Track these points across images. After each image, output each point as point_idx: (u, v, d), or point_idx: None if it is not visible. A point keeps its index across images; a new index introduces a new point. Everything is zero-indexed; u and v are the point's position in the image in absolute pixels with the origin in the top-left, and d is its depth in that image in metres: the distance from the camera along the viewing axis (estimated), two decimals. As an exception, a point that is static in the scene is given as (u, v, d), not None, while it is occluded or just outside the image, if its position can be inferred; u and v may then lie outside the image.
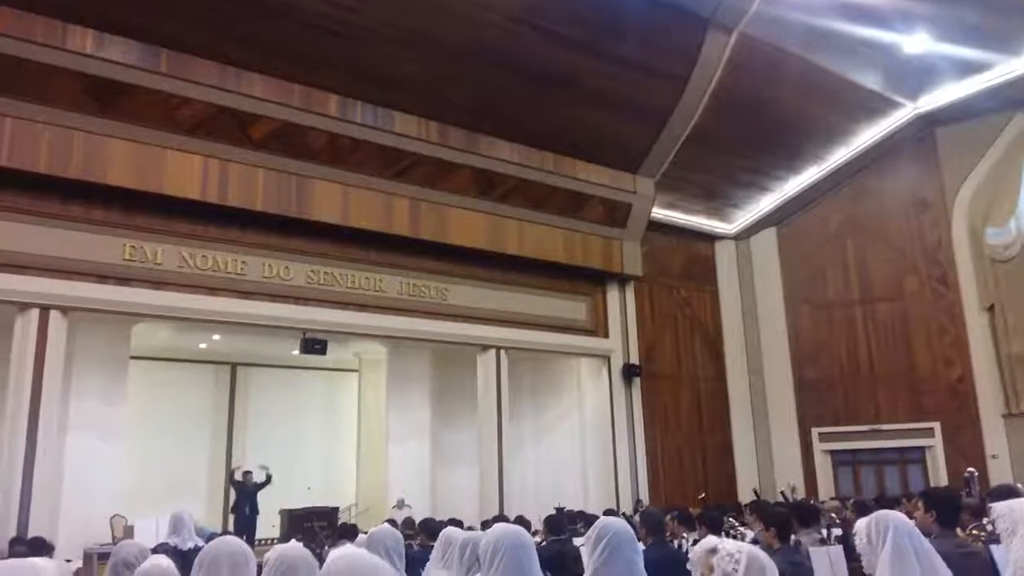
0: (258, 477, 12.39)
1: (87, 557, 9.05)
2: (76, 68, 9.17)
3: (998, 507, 2.76)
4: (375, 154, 11.49)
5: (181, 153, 10.07)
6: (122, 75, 9.44)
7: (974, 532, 5.04)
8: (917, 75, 14.02)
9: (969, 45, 13.06)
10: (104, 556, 8.39)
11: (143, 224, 10.16)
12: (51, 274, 9.39)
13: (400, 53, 10.71)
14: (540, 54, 11.30)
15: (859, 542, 3.03)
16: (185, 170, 10.10)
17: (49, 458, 9.14)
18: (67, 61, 9.10)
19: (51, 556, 6.31)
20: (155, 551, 5.76)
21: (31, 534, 8.05)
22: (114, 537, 9.76)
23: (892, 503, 7.05)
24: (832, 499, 11.35)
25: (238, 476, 12.49)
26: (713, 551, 2.36)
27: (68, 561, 8.22)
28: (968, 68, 13.89)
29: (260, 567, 2.76)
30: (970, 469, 11.91)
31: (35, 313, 9.25)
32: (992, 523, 4.72)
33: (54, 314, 9.36)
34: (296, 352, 12.34)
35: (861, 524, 3.07)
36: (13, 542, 7.62)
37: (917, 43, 12.84)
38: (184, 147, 10.08)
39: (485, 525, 7.93)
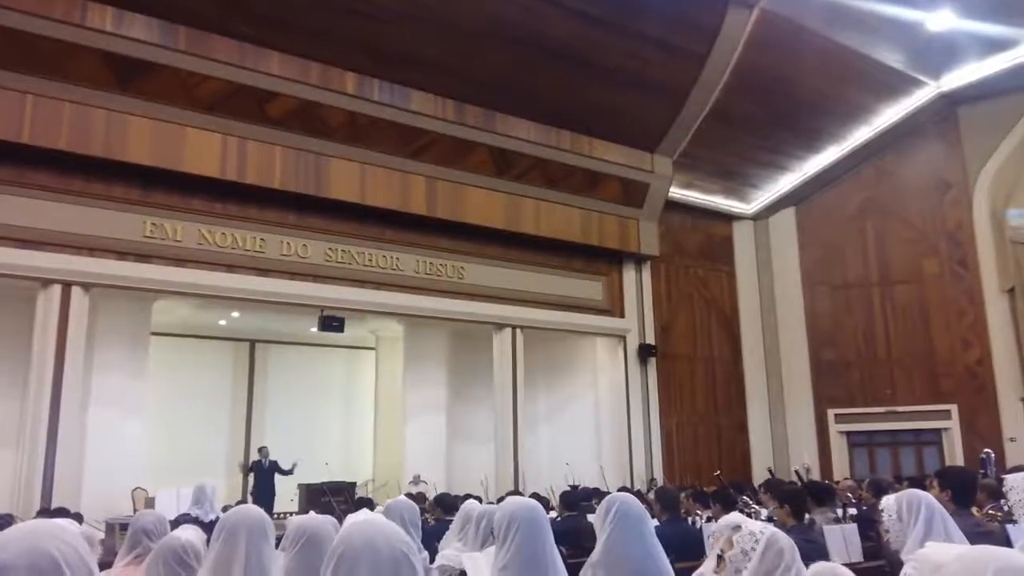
0: (285, 465, 12.48)
1: (109, 528, 9.19)
2: (96, 46, 9.23)
3: (1011, 478, 2.76)
4: (392, 132, 11.50)
5: (200, 131, 10.13)
6: (142, 53, 9.49)
7: (990, 512, 5.02)
8: (940, 53, 13.80)
9: (994, 22, 12.83)
10: (125, 526, 8.53)
11: (163, 201, 10.25)
12: (72, 250, 9.51)
13: (418, 31, 10.68)
14: (558, 31, 11.22)
15: (887, 518, 3.00)
16: (204, 148, 10.16)
17: (72, 432, 9.30)
18: (87, 39, 9.15)
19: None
20: (177, 522, 5.87)
21: (54, 506, 8.21)
22: (135, 510, 9.92)
23: (914, 483, 7.02)
24: (846, 479, 11.34)
25: (255, 455, 12.65)
26: (737, 528, 2.37)
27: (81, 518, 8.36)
28: (992, 46, 13.67)
29: (279, 538, 2.81)
30: (987, 450, 11.85)
31: (57, 289, 9.37)
32: (1007, 501, 4.70)
33: (75, 290, 9.48)
34: (314, 330, 12.42)
35: (890, 500, 3.04)
36: (39, 514, 7.76)
37: (941, 20, 12.64)
38: (203, 125, 10.14)
39: (500, 502, 8.00)
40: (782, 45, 12.63)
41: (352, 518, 2.31)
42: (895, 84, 14.48)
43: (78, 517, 6.56)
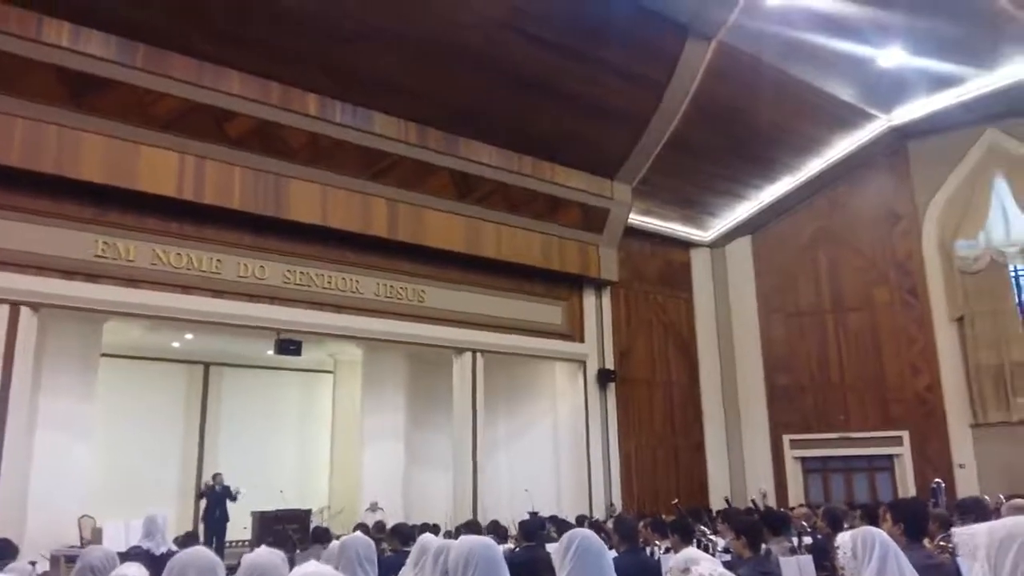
0: (235, 490, 12.22)
1: (54, 560, 8.90)
2: (51, 61, 9.06)
3: (959, 533, 2.78)
4: (354, 154, 11.45)
5: (156, 149, 9.96)
6: (98, 69, 9.33)
7: (941, 544, 5.08)
8: (891, 88, 14.24)
9: (942, 59, 13.30)
10: (71, 559, 8.27)
11: (116, 220, 10.04)
12: (21, 269, 9.27)
13: (381, 54, 10.69)
14: (521, 58, 11.33)
15: (842, 555, 3.05)
16: (160, 166, 9.99)
17: (16, 457, 8.99)
18: (42, 54, 8.98)
19: (15, 558, 6.21)
20: (127, 554, 5.70)
21: (-4, 535, 7.90)
22: (82, 539, 9.63)
23: (867, 510, 7.11)
24: (802, 506, 11.48)
25: (208, 480, 12.37)
26: (686, 571, 2.37)
27: (33, 564, 8.07)
28: (941, 82, 14.14)
29: (232, 570, 2.76)
30: (937, 480, 12.10)
31: (5, 309, 9.10)
32: (950, 542, 4.77)
33: (24, 310, 9.22)
34: (270, 352, 12.24)
35: (846, 538, 3.09)
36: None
37: (891, 57, 13.05)
38: (160, 143, 9.97)
39: (459, 531, 7.93)
40: (739, 77, 12.92)
41: (300, 571, 2.27)
42: (847, 117, 14.89)
43: (14, 550, 6.31)
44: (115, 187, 9.75)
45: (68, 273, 9.60)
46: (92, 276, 9.77)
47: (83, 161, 9.49)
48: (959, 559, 4.38)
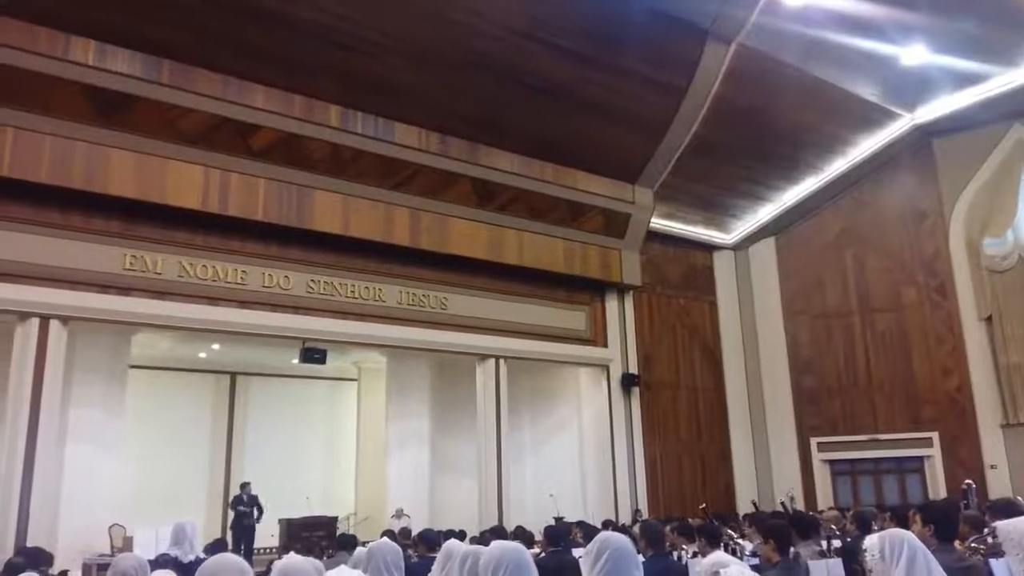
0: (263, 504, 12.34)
1: (86, 568, 9.03)
2: (78, 79, 9.23)
3: (1002, 527, 2.75)
4: (376, 164, 11.54)
5: (182, 163, 10.11)
6: (124, 86, 9.50)
7: (973, 545, 5.02)
8: (914, 86, 14.08)
9: (966, 57, 13.13)
10: (103, 567, 8.39)
11: (144, 234, 10.19)
12: (51, 284, 9.42)
13: (402, 64, 10.78)
14: (540, 65, 11.36)
15: (870, 558, 3.02)
16: (186, 180, 10.14)
17: (48, 467, 9.15)
18: (69, 72, 9.16)
19: (50, 567, 6.31)
20: (156, 562, 5.77)
21: (29, 544, 8.04)
22: (113, 547, 9.76)
23: (896, 513, 7.02)
24: (831, 509, 11.35)
25: (235, 490, 12.50)
26: (716, 575, 2.38)
27: (66, 572, 8.20)
28: (965, 79, 13.96)
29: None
30: (968, 481, 11.90)
31: (35, 322, 9.27)
32: (992, 536, 4.69)
33: (54, 323, 9.38)
34: (295, 361, 12.36)
35: (873, 540, 3.07)
36: (16, 554, 7.59)
37: (914, 55, 12.91)
38: (185, 158, 10.12)
39: (484, 536, 7.94)
40: (760, 79, 12.84)
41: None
42: (871, 116, 14.74)
43: (50, 559, 6.42)
44: (143, 201, 9.91)
45: (97, 286, 9.75)
46: (120, 289, 9.91)
47: (111, 177, 9.65)
48: (996, 551, 4.32)
